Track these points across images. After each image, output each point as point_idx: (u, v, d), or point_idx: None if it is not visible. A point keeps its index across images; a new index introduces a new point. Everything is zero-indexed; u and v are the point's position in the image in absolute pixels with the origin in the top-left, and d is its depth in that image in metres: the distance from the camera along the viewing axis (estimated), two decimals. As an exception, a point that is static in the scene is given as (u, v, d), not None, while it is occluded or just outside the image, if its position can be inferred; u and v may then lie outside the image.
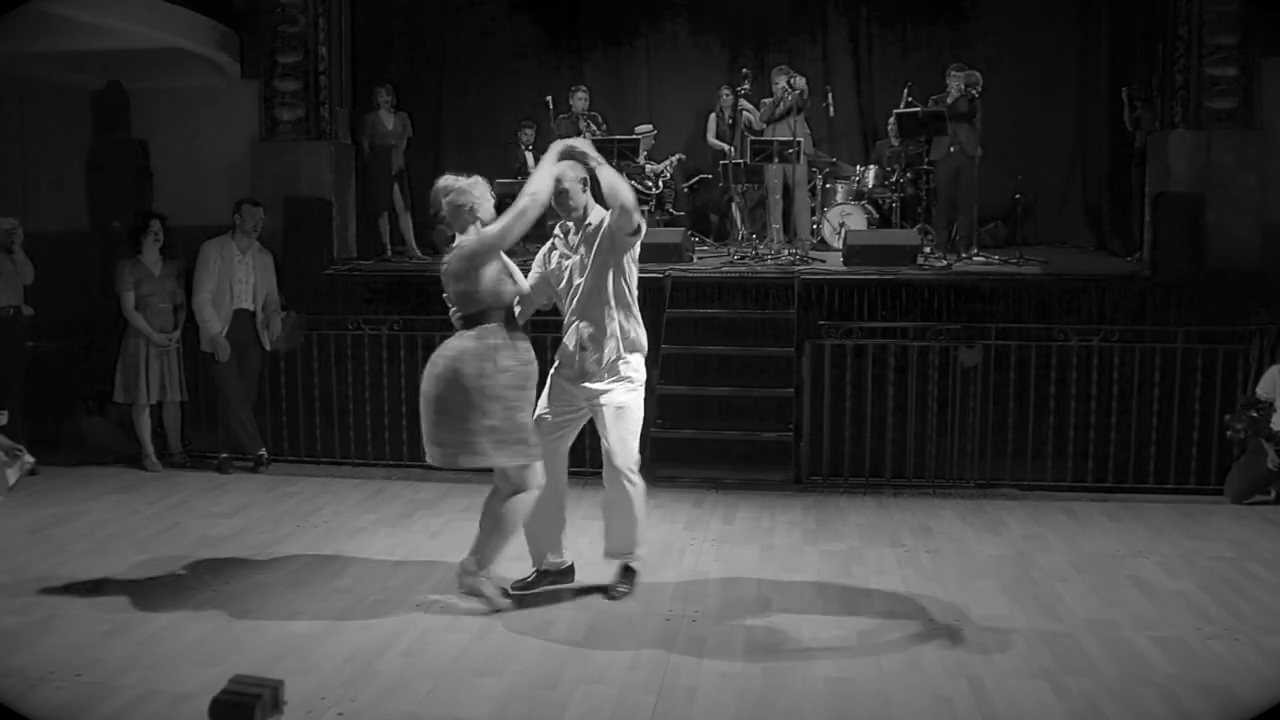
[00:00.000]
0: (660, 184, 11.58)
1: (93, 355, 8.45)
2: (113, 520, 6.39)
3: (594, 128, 10.87)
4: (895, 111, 9.97)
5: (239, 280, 7.54)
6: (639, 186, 11.48)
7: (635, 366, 4.98)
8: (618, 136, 10.56)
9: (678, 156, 11.83)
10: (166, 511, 6.60)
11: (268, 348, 7.75)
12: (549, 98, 10.59)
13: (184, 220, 8.33)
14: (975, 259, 9.38)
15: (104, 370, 7.78)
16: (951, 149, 9.65)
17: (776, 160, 9.88)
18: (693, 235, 10.78)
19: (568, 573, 5.21)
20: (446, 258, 4.80)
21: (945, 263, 9.10)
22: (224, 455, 7.64)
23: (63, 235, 9.26)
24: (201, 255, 7.49)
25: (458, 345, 4.72)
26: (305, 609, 4.91)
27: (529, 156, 11.56)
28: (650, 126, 11.62)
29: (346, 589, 5.16)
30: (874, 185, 10.98)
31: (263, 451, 7.70)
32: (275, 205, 8.86)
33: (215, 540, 5.99)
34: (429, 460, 4.81)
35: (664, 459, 7.48)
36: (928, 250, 9.44)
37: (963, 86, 9.63)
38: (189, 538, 6.04)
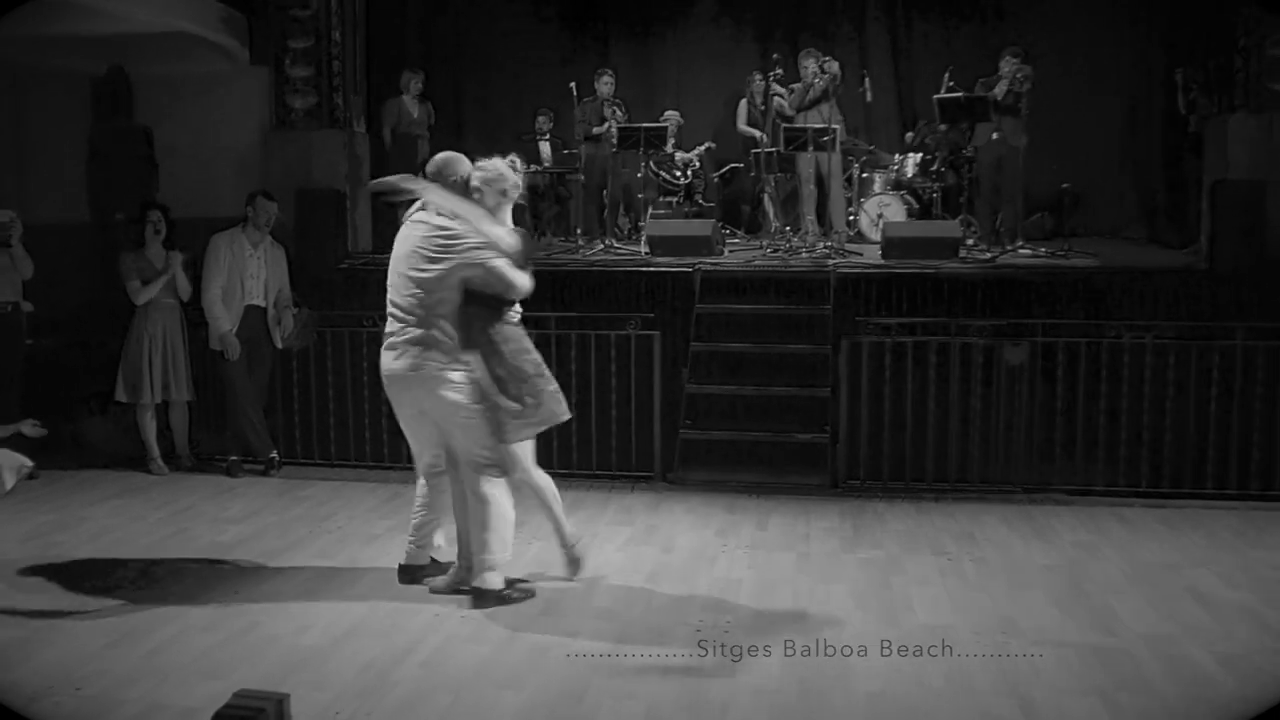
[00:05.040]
0: (689, 174, 11.56)
1: (95, 353, 8.47)
2: (115, 526, 6.41)
3: (619, 114, 10.86)
4: (936, 97, 9.89)
5: (250, 275, 7.55)
6: (668, 176, 11.47)
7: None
8: (644, 124, 10.55)
9: (707, 145, 11.80)
10: (172, 517, 6.61)
11: (279, 345, 7.75)
12: (573, 83, 10.57)
13: (191, 212, 8.34)
14: (1021, 251, 9.29)
15: (107, 369, 7.81)
16: (995, 135, 9.57)
17: (810, 148, 9.83)
18: (723, 227, 10.77)
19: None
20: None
21: (989, 255, 9.04)
22: (233, 458, 7.65)
23: (63, 228, 9.28)
24: (211, 249, 7.50)
25: None
26: (318, 619, 4.91)
27: (546, 147, 11.57)
28: (677, 113, 11.59)
29: (361, 598, 5.15)
30: (913, 174, 10.92)
31: (274, 454, 7.72)
32: (287, 197, 8.86)
33: (224, 547, 5.99)
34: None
35: (693, 461, 7.48)
36: (970, 242, 9.39)
37: (1014, 77, 9.53)
38: (196, 544, 6.05)
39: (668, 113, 11.56)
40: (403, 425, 5.21)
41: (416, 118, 10.26)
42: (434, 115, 10.48)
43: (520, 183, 5.11)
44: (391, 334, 5.00)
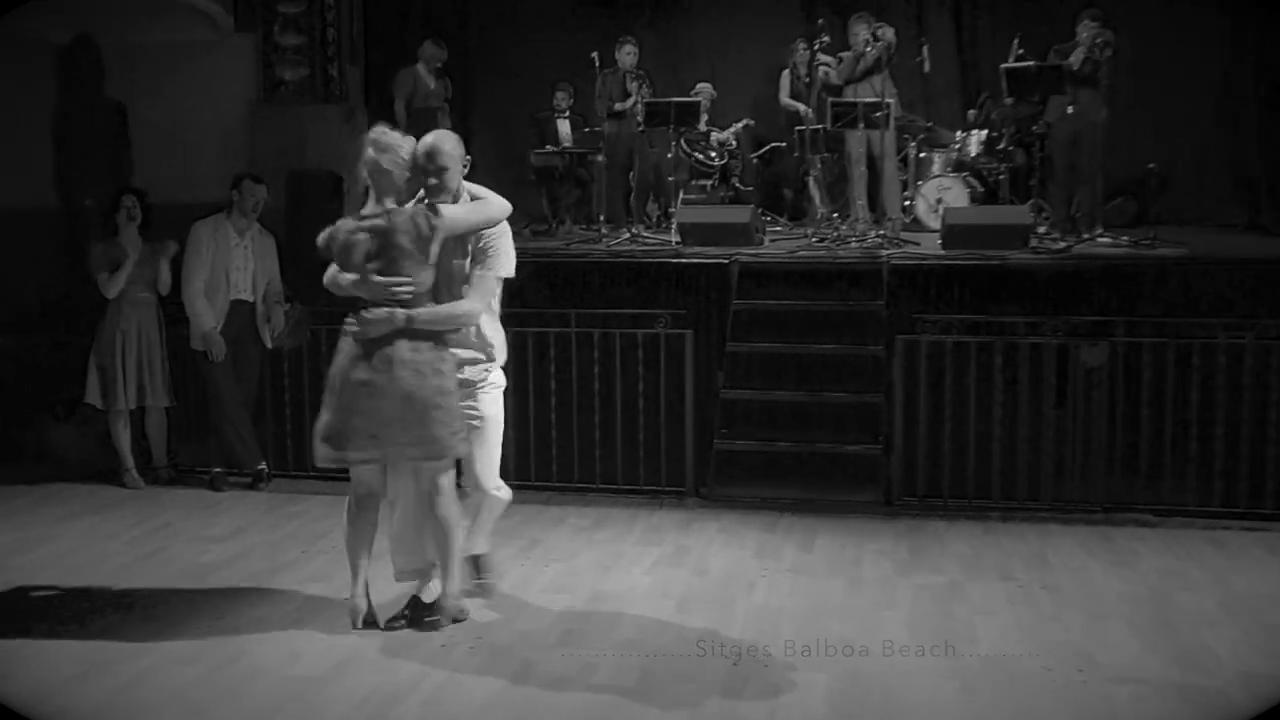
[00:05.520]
0: (725, 154, 11.54)
1: (62, 353, 8.51)
2: (85, 546, 6.44)
3: (643, 88, 10.86)
4: (1004, 66, 9.83)
5: (236, 267, 7.59)
6: (701, 157, 11.46)
7: None
8: (674, 98, 10.54)
9: (744, 122, 11.78)
10: (149, 536, 6.64)
11: (269, 345, 7.79)
12: (594, 53, 10.58)
13: (169, 197, 8.40)
14: (1099, 240, 9.22)
15: (75, 370, 7.86)
16: (1070, 110, 9.50)
17: (861, 125, 9.79)
18: (763, 214, 10.73)
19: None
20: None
21: (1063, 245, 8.98)
22: (217, 470, 7.69)
23: (25, 214, 9.35)
24: (192, 238, 7.54)
25: None
26: (310, 649, 4.92)
27: (564, 125, 11.58)
28: (709, 86, 11.58)
29: (358, 626, 5.16)
30: (977, 154, 10.86)
31: (262, 466, 7.75)
32: (277, 179, 8.91)
33: (206, 569, 6.02)
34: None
35: (729, 475, 7.47)
36: (1042, 230, 9.32)
37: (1093, 44, 9.45)
38: (175, 566, 6.08)
39: (699, 86, 11.55)
40: None
41: (434, 89, 10.30)
42: (450, 87, 10.51)
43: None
44: None
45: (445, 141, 4.98)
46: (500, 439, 5.26)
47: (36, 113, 9.93)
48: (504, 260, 5.05)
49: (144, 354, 7.64)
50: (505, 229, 5.09)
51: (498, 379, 5.19)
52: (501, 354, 5.19)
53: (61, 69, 10.07)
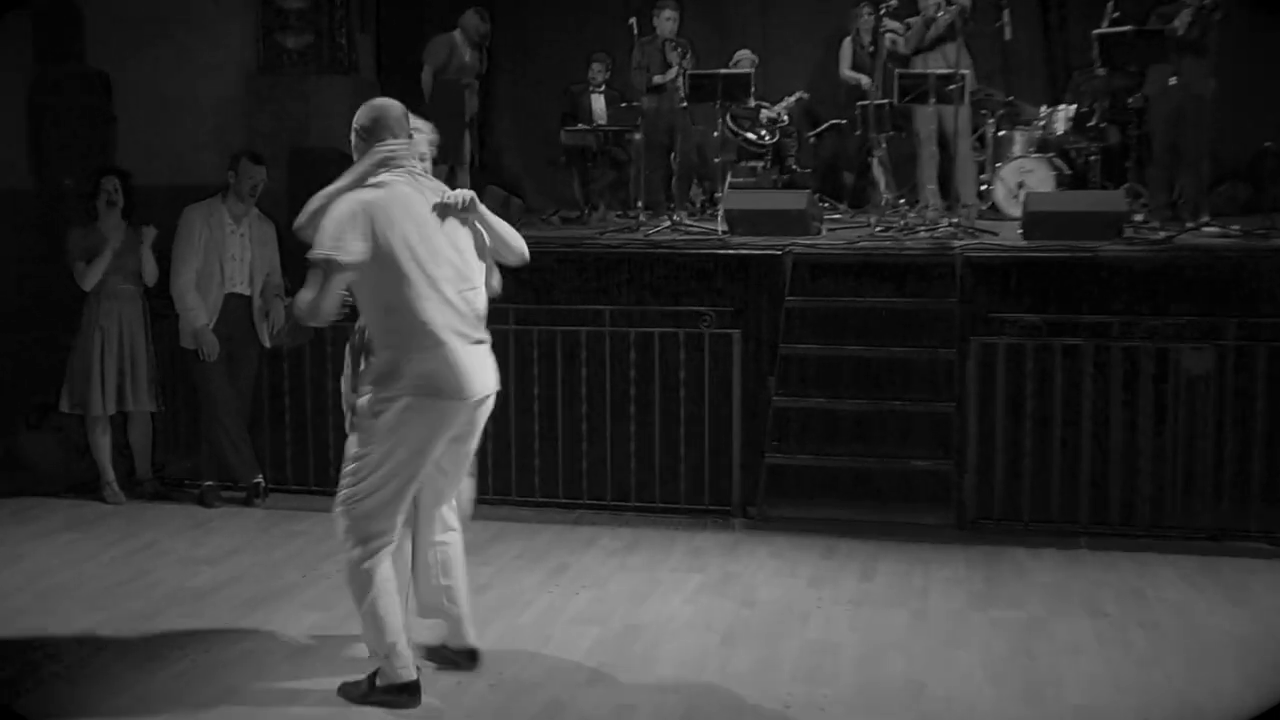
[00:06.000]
0: (777, 133, 11.51)
1: (35, 352, 8.58)
2: (59, 568, 6.48)
3: (686, 58, 10.84)
4: (1097, 32, 9.77)
5: (231, 257, 7.63)
6: (751, 136, 11.44)
7: None
8: (721, 70, 10.52)
9: (797, 95, 11.75)
10: (131, 556, 6.68)
11: (267, 344, 7.83)
12: (632, 19, 10.59)
13: (157, 178, 8.47)
14: (1206, 229, 9.16)
15: (49, 372, 7.93)
16: (1173, 81, 9.42)
17: (932, 100, 9.74)
18: (821, 199, 10.71)
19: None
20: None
21: (1163, 235, 8.90)
22: (208, 484, 7.73)
23: (-2, 196, 9.45)
24: (183, 225, 7.59)
25: None
26: (310, 687, 4.92)
27: (599, 101, 11.59)
28: (750, 53, 11.54)
29: (364, 660, 5.14)
30: (1065, 132, 10.80)
31: (258, 479, 7.79)
32: (278, 159, 8.97)
33: (195, 594, 6.04)
34: None
35: (781, 493, 7.48)
36: (1139, 218, 9.28)
37: (1200, 6, 9.36)
38: (160, 591, 6.10)
39: (738, 54, 11.53)
40: (428, 464, 4.75)
41: (468, 63, 10.33)
42: (486, 62, 10.55)
43: None
44: (464, 329, 4.68)
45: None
46: None
47: (9, 83, 10.01)
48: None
49: (126, 353, 7.69)
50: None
51: None
52: None
53: (38, 36, 10.13)
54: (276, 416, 8.17)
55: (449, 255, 4.64)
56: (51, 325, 8.33)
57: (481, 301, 4.75)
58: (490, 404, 4.77)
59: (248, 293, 7.70)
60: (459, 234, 4.72)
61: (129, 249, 7.67)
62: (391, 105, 4.88)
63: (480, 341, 4.70)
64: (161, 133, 9.68)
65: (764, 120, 11.55)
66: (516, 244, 4.90)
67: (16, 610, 5.81)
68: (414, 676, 4.71)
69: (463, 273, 4.68)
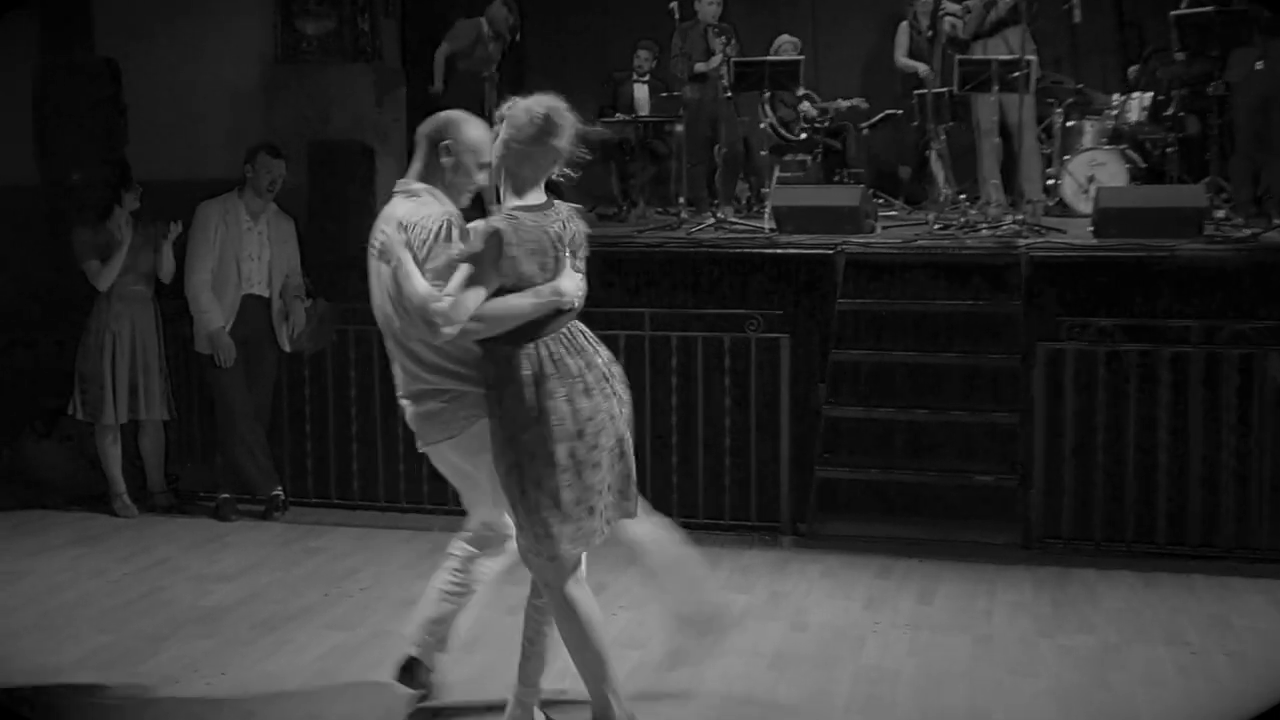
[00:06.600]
0: (812, 129, 11.51)
1: (42, 356, 8.64)
2: (67, 584, 6.51)
3: (730, 44, 10.85)
4: (1175, 13, 9.72)
5: (248, 256, 7.66)
6: (787, 134, 11.45)
7: None
8: (769, 58, 10.52)
9: (853, 102, 11.75)
10: (143, 573, 6.71)
11: (287, 348, 7.86)
12: (673, 3, 10.59)
13: (170, 173, 8.52)
14: (1293, 227, 9.09)
15: (57, 377, 7.98)
16: (1259, 65, 9.36)
17: (995, 88, 9.71)
18: (875, 196, 10.70)
19: None
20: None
21: (1247, 232, 8.86)
22: (224, 496, 7.78)
23: (1, 192, 9.50)
24: (198, 222, 7.62)
25: None
26: (331, 711, 4.93)
27: (641, 90, 11.61)
28: (791, 38, 11.53)
29: (390, 684, 5.14)
30: (1139, 121, 10.76)
31: (277, 491, 7.83)
32: (297, 152, 9.00)
33: (210, 614, 6.07)
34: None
35: (834, 509, 7.49)
36: (1221, 214, 9.21)
37: None
38: (173, 609, 6.13)
39: (779, 39, 11.53)
40: None
41: (490, 53, 10.37)
42: (505, 54, 10.60)
43: None
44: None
45: None
46: None
47: (14, 73, 10.05)
48: None
49: (138, 358, 7.74)
50: None
51: None
52: None
53: (44, 22, 10.20)
54: (297, 425, 8.21)
55: None
56: (55, 327, 8.39)
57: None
58: None
59: (266, 294, 7.73)
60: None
61: (140, 248, 7.71)
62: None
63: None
64: (174, 124, 9.72)
65: (800, 114, 11.54)
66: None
67: (19, 630, 5.84)
68: None
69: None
